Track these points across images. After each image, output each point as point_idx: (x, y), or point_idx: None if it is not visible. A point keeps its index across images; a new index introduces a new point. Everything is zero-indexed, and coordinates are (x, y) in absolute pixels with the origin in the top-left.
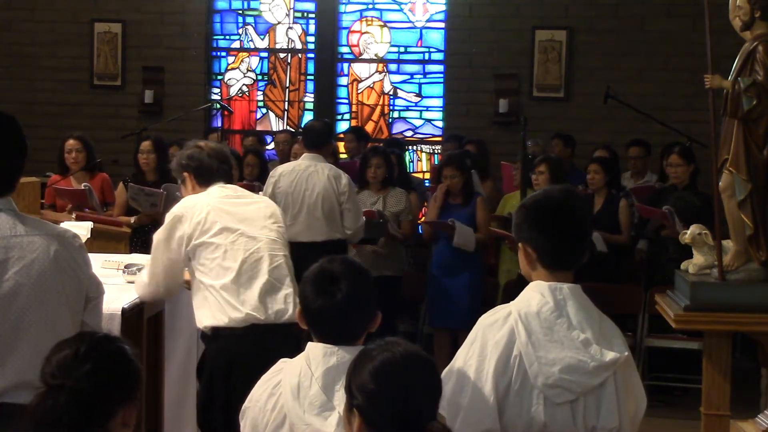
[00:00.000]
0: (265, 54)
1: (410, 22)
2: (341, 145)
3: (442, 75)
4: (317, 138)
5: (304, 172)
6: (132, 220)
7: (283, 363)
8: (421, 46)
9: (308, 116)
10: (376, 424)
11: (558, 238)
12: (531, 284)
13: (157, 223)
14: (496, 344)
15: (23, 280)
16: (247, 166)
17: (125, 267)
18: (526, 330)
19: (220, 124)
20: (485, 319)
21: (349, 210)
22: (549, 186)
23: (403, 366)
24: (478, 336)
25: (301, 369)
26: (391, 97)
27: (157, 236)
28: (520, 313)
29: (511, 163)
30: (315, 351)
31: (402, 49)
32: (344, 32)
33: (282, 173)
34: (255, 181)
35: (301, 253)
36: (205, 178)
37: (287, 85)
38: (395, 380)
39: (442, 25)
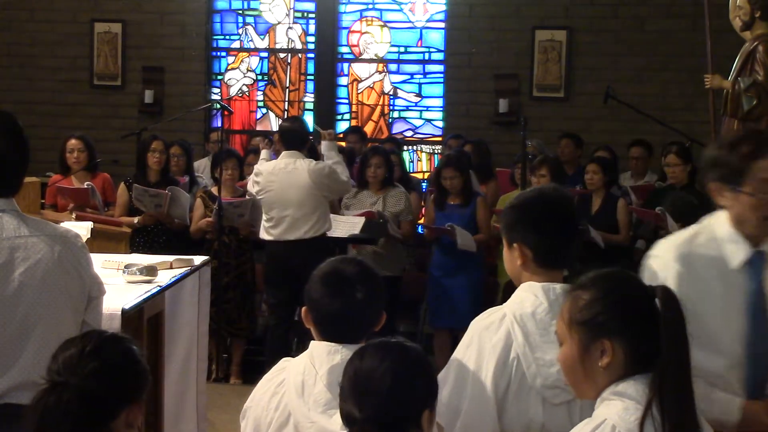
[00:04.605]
0: (265, 54)
1: (410, 22)
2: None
3: (442, 75)
4: (298, 140)
5: (284, 170)
6: (136, 220)
7: (285, 362)
8: (421, 46)
9: (308, 116)
10: (343, 418)
11: (555, 238)
12: (523, 285)
13: (161, 223)
14: (494, 347)
15: (28, 281)
16: (249, 166)
17: (125, 267)
18: (523, 332)
19: (220, 124)
20: (479, 322)
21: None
22: (539, 185)
23: (364, 377)
24: (474, 339)
25: (304, 367)
26: (391, 97)
27: None
28: (515, 314)
29: (507, 168)
30: (319, 349)
31: (402, 49)
32: (344, 32)
33: (264, 173)
34: None
35: (290, 250)
36: None
37: (287, 85)
38: (354, 389)
39: (442, 25)
